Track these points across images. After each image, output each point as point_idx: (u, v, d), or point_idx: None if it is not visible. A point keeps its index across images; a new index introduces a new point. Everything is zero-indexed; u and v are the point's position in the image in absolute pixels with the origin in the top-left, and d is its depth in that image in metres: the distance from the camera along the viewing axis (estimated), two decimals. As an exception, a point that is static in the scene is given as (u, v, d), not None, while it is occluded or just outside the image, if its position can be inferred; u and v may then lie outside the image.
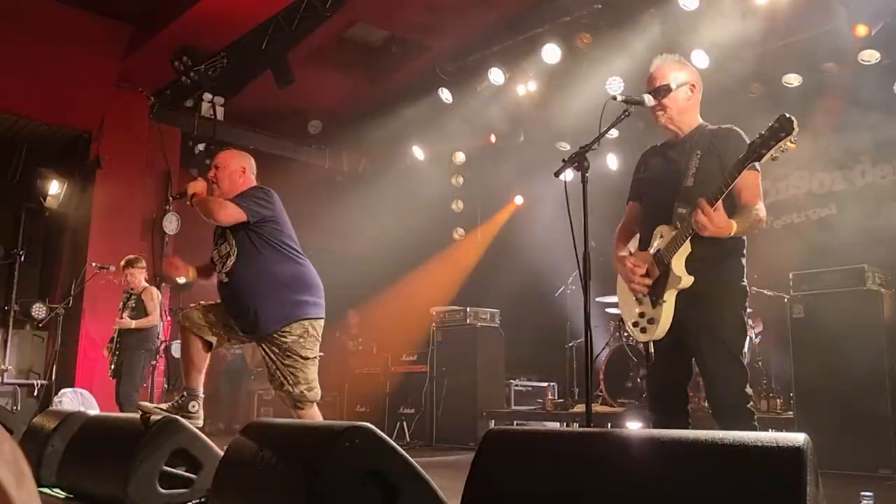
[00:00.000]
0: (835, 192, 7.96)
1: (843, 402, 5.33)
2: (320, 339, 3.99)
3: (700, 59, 7.11)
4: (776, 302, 6.43)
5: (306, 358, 3.89)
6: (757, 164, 2.87)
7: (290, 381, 3.86)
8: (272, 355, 3.89)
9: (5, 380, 8.22)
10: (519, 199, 10.73)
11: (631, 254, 3.24)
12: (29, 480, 0.65)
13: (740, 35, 7.09)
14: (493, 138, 9.96)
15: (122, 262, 7.25)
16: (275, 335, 3.86)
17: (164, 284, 9.27)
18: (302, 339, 3.87)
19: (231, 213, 3.81)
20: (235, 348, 10.05)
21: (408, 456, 2.62)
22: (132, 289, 7.19)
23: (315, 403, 3.92)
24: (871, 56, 7.01)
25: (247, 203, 3.85)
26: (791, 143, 2.71)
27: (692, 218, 2.86)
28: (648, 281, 3.10)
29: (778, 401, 6.46)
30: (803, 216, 8.13)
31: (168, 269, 4.17)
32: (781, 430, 5.32)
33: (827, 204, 8.00)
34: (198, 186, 4.02)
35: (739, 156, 2.83)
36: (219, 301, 4.00)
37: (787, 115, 2.70)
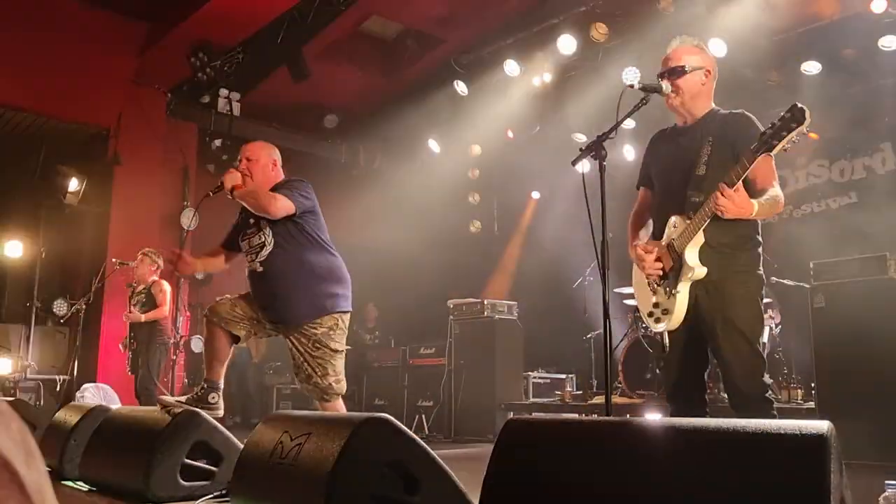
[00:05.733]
0: (855, 181, 7.88)
1: (865, 392, 5.27)
2: (347, 332, 4.01)
3: (717, 46, 7.04)
4: (797, 291, 6.38)
5: (335, 350, 3.89)
6: None
7: (319, 373, 3.85)
8: (301, 347, 3.88)
9: (28, 375, 8.31)
10: (535, 192, 10.68)
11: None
12: (38, 460, 0.65)
13: (758, 22, 7.02)
14: (509, 133, 9.92)
15: (138, 255, 7.33)
16: (305, 327, 3.86)
17: (182, 280, 9.32)
18: (332, 332, 3.88)
19: (283, 206, 3.79)
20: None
21: (427, 447, 2.62)
22: (141, 282, 7.24)
23: (340, 396, 3.93)
24: (891, 42, 6.93)
25: (293, 194, 3.83)
26: (805, 132, 2.68)
27: (713, 202, 2.83)
28: (660, 265, 3.09)
29: (799, 391, 6.42)
30: (823, 205, 8.05)
31: (181, 268, 4.12)
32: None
33: (847, 192, 7.92)
34: (236, 179, 3.95)
35: (751, 143, 2.78)
36: (244, 294, 4.00)
37: (800, 106, 2.66)
